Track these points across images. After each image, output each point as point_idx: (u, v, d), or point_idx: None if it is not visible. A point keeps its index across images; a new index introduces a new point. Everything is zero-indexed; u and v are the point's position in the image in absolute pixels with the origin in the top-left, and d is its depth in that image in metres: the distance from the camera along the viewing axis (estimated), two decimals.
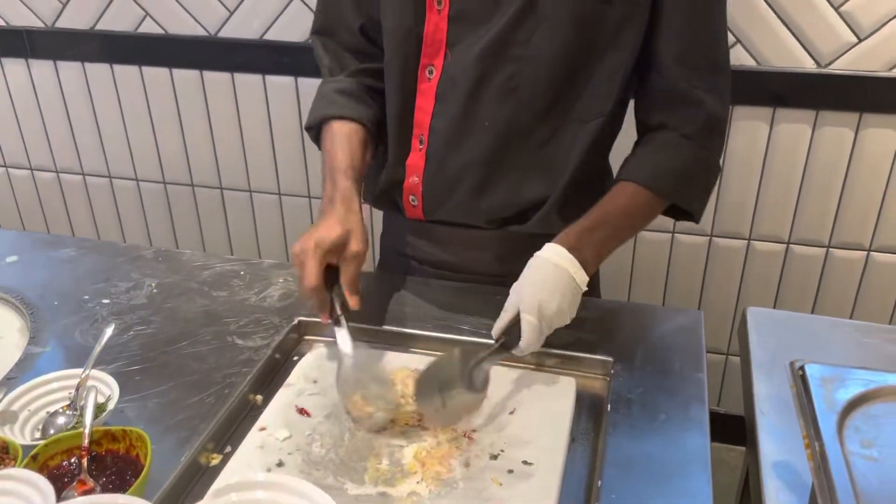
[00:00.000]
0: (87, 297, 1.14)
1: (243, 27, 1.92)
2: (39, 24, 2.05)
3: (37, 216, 2.36)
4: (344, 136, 1.08)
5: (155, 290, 1.15)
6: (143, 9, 1.97)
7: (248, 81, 1.97)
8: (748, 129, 1.74)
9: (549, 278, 0.93)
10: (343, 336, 0.96)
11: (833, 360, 0.92)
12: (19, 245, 1.30)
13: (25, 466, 0.75)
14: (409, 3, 1.03)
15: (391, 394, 0.91)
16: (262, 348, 1.01)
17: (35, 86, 2.14)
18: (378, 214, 1.28)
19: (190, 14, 1.94)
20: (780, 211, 1.81)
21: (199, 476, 0.85)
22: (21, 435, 0.86)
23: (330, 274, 0.97)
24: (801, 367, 0.78)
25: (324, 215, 1.00)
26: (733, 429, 1.46)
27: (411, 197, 1.13)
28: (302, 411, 0.92)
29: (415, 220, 1.16)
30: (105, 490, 0.77)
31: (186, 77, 2.01)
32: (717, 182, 1.79)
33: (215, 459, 0.86)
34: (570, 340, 1.01)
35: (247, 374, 0.97)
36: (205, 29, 1.95)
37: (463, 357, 0.90)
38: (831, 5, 1.60)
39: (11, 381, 0.95)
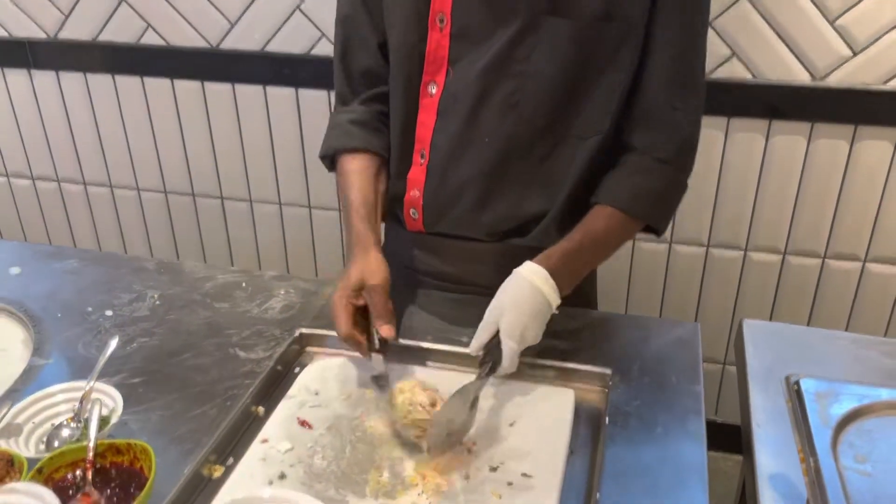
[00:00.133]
0: (90, 308, 1.15)
1: (244, 39, 1.94)
2: (42, 35, 2.07)
3: (38, 225, 2.37)
4: (356, 173, 1.13)
5: (157, 302, 1.16)
6: (145, 20, 1.98)
7: (249, 92, 1.99)
8: (744, 141, 1.76)
9: (528, 301, 0.95)
10: (378, 361, 1.00)
11: (829, 373, 0.93)
12: (22, 256, 1.31)
13: (31, 479, 0.76)
14: (413, 21, 1.04)
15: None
16: (263, 360, 1.02)
17: (37, 96, 2.15)
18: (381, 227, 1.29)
19: (191, 26, 1.96)
20: (776, 222, 1.83)
21: (202, 488, 0.85)
22: (26, 447, 0.87)
23: (366, 313, 1.02)
24: (797, 382, 0.79)
25: (348, 261, 1.06)
26: (730, 437, 1.46)
27: (412, 210, 1.15)
28: (303, 423, 0.93)
29: (416, 232, 1.17)
30: (109, 503, 0.78)
31: (188, 88, 2.03)
32: (714, 193, 1.82)
33: (218, 471, 0.87)
34: (569, 352, 1.02)
35: (249, 385, 0.97)
36: (206, 40, 1.97)
37: (464, 397, 0.90)
38: (826, 19, 1.62)
39: (15, 393, 0.96)
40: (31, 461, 0.79)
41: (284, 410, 0.95)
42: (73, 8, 2.01)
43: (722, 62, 1.70)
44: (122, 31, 2.01)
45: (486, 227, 1.12)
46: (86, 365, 0.99)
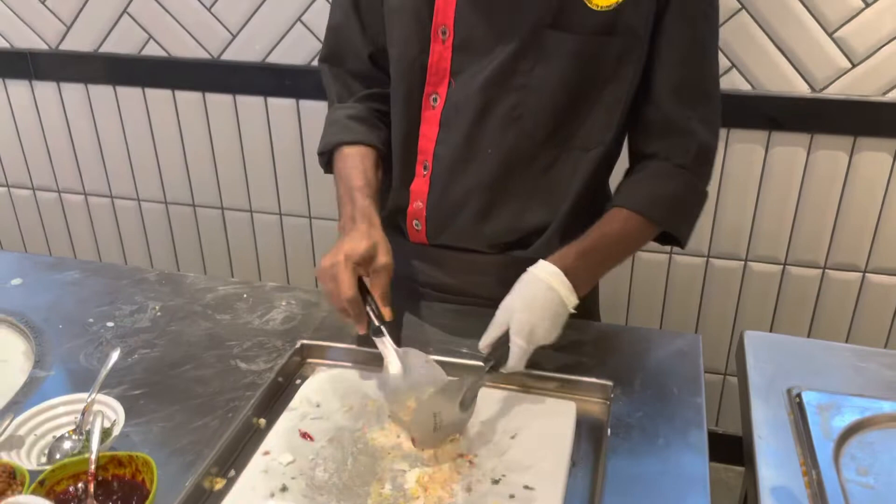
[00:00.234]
0: (91, 319, 1.15)
1: (245, 50, 1.95)
2: (43, 47, 2.08)
3: (38, 235, 2.37)
4: (357, 157, 1.11)
5: (159, 314, 1.16)
6: (146, 32, 1.99)
7: (250, 103, 2.00)
8: (744, 152, 1.77)
9: (540, 300, 0.94)
10: (387, 345, 0.98)
11: (830, 385, 0.93)
12: (23, 267, 1.31)
13: (33, 492, 0.76)
14: (415, 33, 1.05)
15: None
16: (265, 372, 1.02)
17: (38, 107, 2.16)
18: None
19: (193, 37, 1.97)
20: (776, 233, 1.83)
21: (204, 500, 0.85)
22: (27, 460, 0.87)
23: (359, 287, 0.99)
24: (798, 395, 0.79)
25: (347, 232, 1.02)
26: (731, 448, 1.46)
27: (415, 221, 1.15)
28: (305, 435, 0.93)
29: (418, 244, 1.17)
30: None
31: (189, 99, 2.03)
32: (714, 204, 1.83)
33: (219, 484, 0.87)
34: (571, 364, 1.02)
35: (250, 397, 0.97)
36: (207, 52, 1.98)
37: (458, 384, 0.91)
38: (825, 31, 1.63)
39: (17, 405, 0.96)
40: (33, 474, 0.79)
41: (286, 422, 0.95)
42: (74, 19, 2.02)
43: (722, 74, 1.70)
44: (123, 42, 2.01)
45: (488, 239, 1.12)
46: (87, 377, 0.99)
